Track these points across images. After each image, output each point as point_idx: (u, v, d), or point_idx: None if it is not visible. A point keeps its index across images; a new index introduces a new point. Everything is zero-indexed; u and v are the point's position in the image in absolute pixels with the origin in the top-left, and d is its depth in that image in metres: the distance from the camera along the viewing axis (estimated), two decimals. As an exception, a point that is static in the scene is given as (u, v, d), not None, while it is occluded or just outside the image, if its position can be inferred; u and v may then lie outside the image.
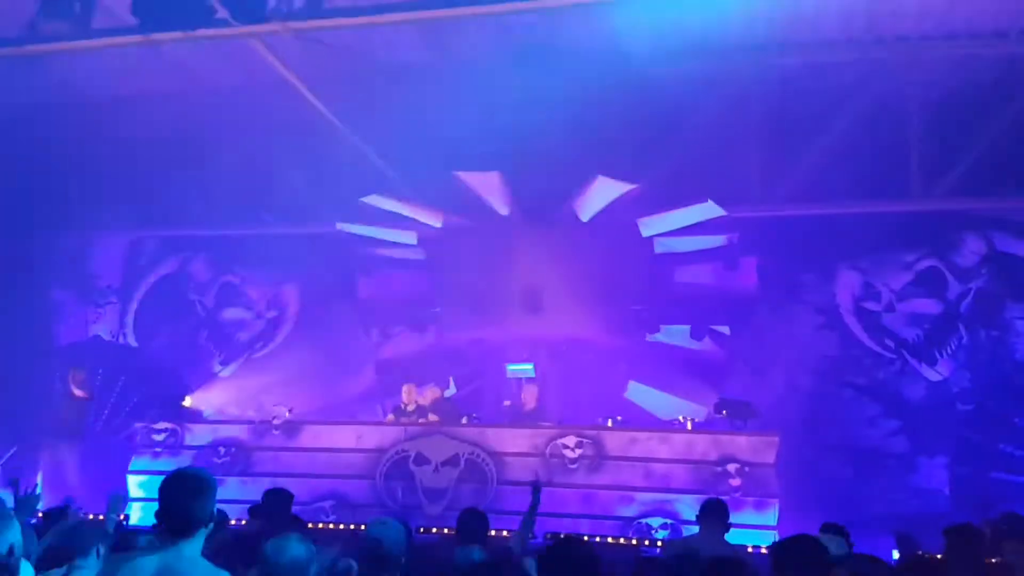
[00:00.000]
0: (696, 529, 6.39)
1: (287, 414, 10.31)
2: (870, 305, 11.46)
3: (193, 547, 3.29)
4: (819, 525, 6.13)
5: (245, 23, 8.65)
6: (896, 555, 7.33)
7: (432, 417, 10.47)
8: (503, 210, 11.56)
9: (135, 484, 10.14)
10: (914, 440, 10.85)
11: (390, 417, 10.59)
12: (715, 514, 6.14)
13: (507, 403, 10.96)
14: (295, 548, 3.60)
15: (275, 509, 5.69)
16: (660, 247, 11.78)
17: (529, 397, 10.66)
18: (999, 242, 11.04)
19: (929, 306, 11.21)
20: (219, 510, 4.62)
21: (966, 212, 11.12)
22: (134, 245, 13.55)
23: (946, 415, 10.82)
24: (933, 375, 11.05)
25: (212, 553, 4.02)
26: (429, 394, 10.91)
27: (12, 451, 11.13)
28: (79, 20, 9.17)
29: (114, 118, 11.29)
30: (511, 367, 11.37)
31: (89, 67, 10.66)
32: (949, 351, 11.01)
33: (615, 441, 9.47)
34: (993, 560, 6.25)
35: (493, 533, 7.00)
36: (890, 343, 11.31)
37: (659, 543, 8.38)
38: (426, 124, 10.41)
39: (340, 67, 10.43)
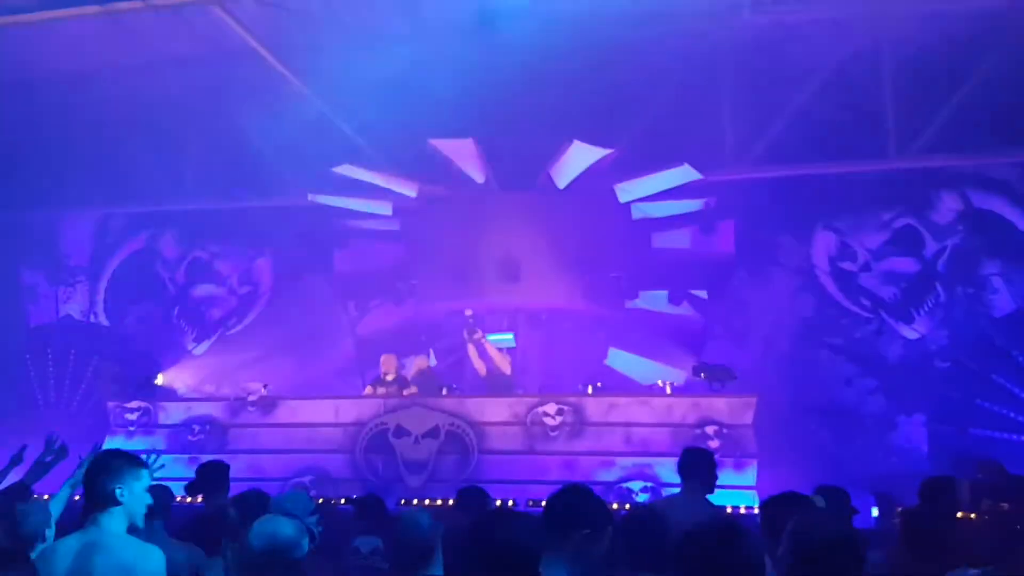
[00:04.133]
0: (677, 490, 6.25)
1: (263, 390, 10.19)
2: (847, 265, 11.46)
3: (115, 523, 3.37)
4: (797, 484, 6.03)
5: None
6: (875, 513, 7.36)
7: (412, 389, 10.38)
8: (479, 178, 11.42)
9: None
10: (892, 399, 10.89)
11: (368, 389, 10.46)
12: (698, 467, 5.58)
13: (468, 312, 10.83)
14: (284, 528, 3.40)
15: (213, 483, 5.56)
16: (637, 212, 11.72)
17: (502, 362, 10.59)
18: (975, 199, 11.04)
19: (906, 265, 11.21)
20: (162, 488, 4.64)
21: (942, 169, 11.09)
22: (101, 222, 13.31)
23: (924, 373, 10.85)
24: (910, 333, 11.08)
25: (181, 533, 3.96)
26: (416, 364, 10.81)
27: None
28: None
29: (76, 93, 11.00)
30: (491, 337, 11.29)
31: (49, 40, 10.34)
32: (926, 309, 11.04)
33: (595, 407, 9.45)
34: (972, 515, 6.30)
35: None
36: (867, 302, 11.32)
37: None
38: (397, 91, 10.21)
39: (306, 33, 10.18)
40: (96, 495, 3.39)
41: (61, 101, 11.06)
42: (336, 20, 10.08)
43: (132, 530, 3.45)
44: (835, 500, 4.89)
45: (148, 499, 3.48)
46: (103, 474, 3.41)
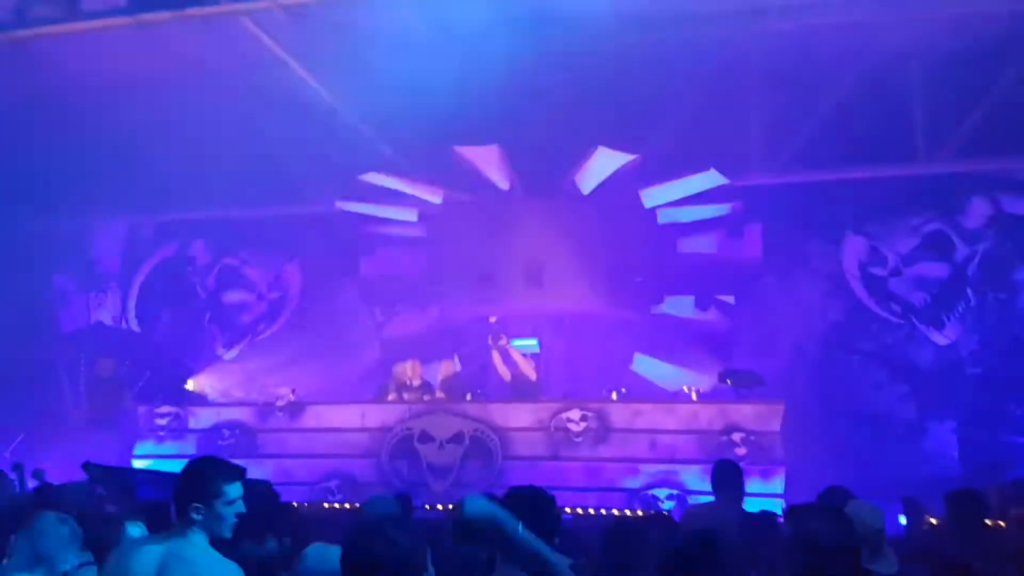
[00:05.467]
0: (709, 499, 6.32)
1: (291, 395, 10.28)
2: (876, 270, 11.34)
3: (198, 535, 3.34)
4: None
5: (233, 0, 8.56)
6: (903, 520, 7.27)
7: (440, 394, 10.42)
8: (503, 184, 11.45)
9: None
10: (922, 405, 10.76)
11: (392, 395, 10.50)
12: (730, 481, 6.03)
13: (493, 319, 10.80)
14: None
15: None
16: (663, 217, 11.68)
17: (527, 368, 10.58)
18: (1006, 203, 10.89)
19: (936, 270, 11.08)
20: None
21: (972, 174, 10.95)
22: (132, 230, 13.54)
23: (955, 379, 10.71)
24: (941, 339, 10.94)
25: None
26: (443, 370, 10.83)
27: (19, 438, 11.14)
28: (67, 3, 9.08)
29: (108, 102, 11.16)
30: (515, 343, 11.31)
31: (80, 51, 10.51)
32: (957, 314, 10.89)
33: (620, 413, 9.41)
34: (1001, 523, 6.21)
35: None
36: (897, 308, 11.19)
37: (665, 514, 8.34)
38: (422, 98, 10.27)
39: (332, 43, 10.27)
40: (179, 509, 3.37)
41: (92, 110, 11.23)
42: (362, 28, 10.16)
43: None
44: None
45: (232, 514, 3.40)
46: (185, 489, 3.39)
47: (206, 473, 3.45)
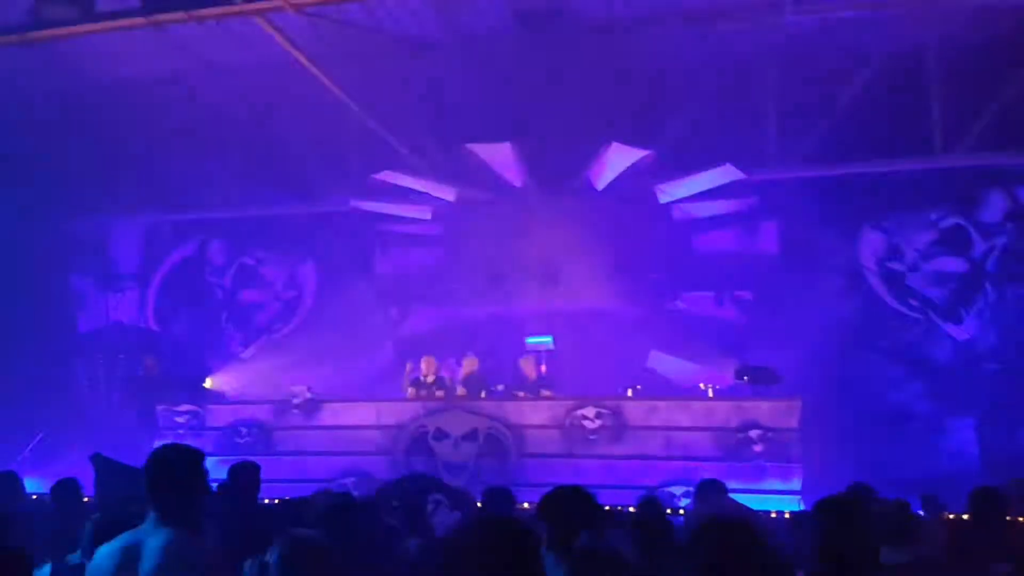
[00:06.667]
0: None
1: (307, 393, 10.33)
2: (894, 265, 11.26)
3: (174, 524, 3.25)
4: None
5: (247, 0, 8.60)
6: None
7: (461, 390, 10.42)
8: (517, 182, 11.44)
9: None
10: (941, 401, 10.68)
11: (411, 391, 10.51)
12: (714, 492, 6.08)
13: (500, 388, 10.61)
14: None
15: (246, 485, 5.64)
16: (679, 214, 11.64)
17: (529, 370, 10.53)
18: (1024, 197, 10.80)
19: (954, 264, 10.99)
20: None
21: (990, 167, 10.85)
22: (150, 230, 13.62)
23: (973, 375, 10.62)
24: (959, 334, 10.85)
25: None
26: (466, 366, 10.82)
27: (39, 437, 11.24)
28: (83, 4, 9.15)
29: (124, 102, 11.25)
30: (530, 340, 11.29)
31: (96, 51, 10.61)
32: (975, 310, 10.80)
33: (635, 410, 9.40)
34: (1021, 519, 6.15)
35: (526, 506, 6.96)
36: (915, 303, 11.11)
37: (681, 511, 8.31)
38: (436, 97, 10.31)
39: (346, 43, 10.31)
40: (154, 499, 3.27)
41: (109, 111, 11.33)
42: (375, 29, 10.19)
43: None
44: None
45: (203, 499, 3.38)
46: (159, 478, 3.27)
47: (179, 459, 3.35)
